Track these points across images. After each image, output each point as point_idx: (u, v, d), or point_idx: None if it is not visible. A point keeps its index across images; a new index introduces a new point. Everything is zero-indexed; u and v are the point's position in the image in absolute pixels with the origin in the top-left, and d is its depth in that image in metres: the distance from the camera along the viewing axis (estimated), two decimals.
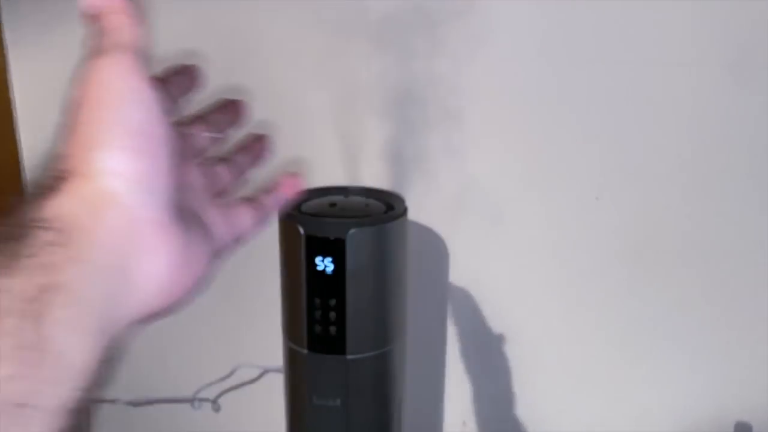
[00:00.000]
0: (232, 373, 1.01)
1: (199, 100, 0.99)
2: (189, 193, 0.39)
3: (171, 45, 0.97)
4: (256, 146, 0.47)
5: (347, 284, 0.69)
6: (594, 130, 0.81)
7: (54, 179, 0.33)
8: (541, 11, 0.79)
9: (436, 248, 0.90)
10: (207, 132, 0.43)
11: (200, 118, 0.45)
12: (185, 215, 0.36)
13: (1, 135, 1.03)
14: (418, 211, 0.88)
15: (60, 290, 0.29)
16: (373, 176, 0.89)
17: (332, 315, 0.70)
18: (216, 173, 0.43)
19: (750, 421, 0.86)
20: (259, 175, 0.96)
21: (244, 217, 0.43)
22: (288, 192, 0.46)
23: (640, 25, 0.77)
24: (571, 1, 0.78)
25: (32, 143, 1.03)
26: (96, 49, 0.35)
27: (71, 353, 0.29)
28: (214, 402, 1.07)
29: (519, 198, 0.86)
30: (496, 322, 0.91)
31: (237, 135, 0.47)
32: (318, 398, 0.73)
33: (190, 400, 1.06)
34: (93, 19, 0.35)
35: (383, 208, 0.75)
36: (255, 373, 1.02)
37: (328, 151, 0.90)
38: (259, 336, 1.00)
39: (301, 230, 0.69)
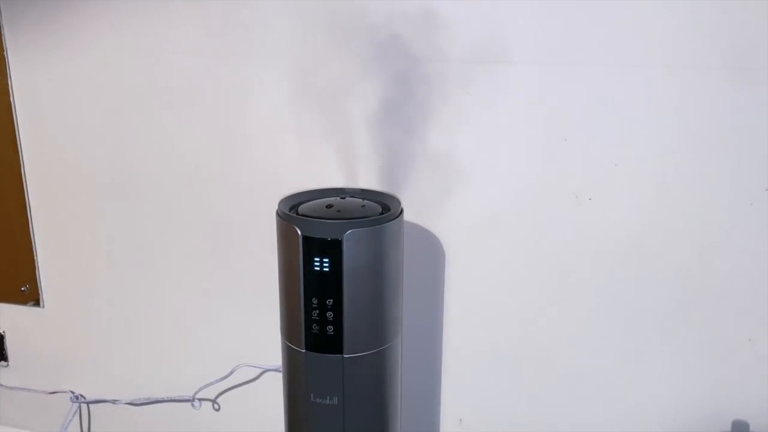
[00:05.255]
0: (231, 373, 1.02)
1: (199, 100, 1.00)
2: None
3: (164, 46, 0.98)
4: None
5: (344, 284, 0.70)
6: (588, 131, 0.82)
7: None
8: (535, 12, 0.79)
9: (431, 248, 0.90)
10: None
11: None
12: None
13: (1, 136, 1.04)
14: (414, 211, 0.89)
15: None
16: (369, 178, 0.90)
17: (329, 315, 0.71)
18: None
19: (747, 419, 0.86)
20: (259, 175, 0.97)
21: None
22: None
23: (634, 28, 0.77)
24: (566, 3, 0.78)
25: (32, 144, 1.04)
26: None
27: None
28: (214, 402, 1.08)
29: (513, 199, 0.86)
30: (490, 321, 0.92)
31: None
32: (316, 396, 0.74)
33: (190, 400, 1.06)
34: None
35: (379, 210, 0.75)
36: (254, 372, 1.03)
37: (324, 152, 0.90)
38: (259, 336, 1.01)
39: (299, 231, 0.70)
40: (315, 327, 0.72)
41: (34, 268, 1.10)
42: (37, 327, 1.13)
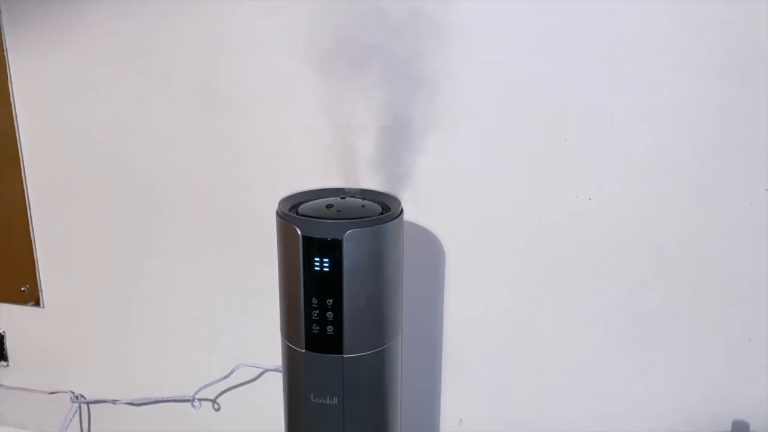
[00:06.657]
0: (231, 373, 1.02)
1: (198, 102, 1.00)
2: None
3: (164, 46, 0.98)
4: None
5: (344, 284, 0.70)
6: (588, 130, 0.82)
7: None
8: (536, 12, 0.79)
9: (431, 248, 0.90)
10: None
11: None
12: None
13: (1, 136, 1.04)
14: (414, 211, 0.89)
15: None
16: (369, 178, 0.90)
17: (329, 315, 0.71)
18: None
19: (747, 419, 0.86)
20: (256, 175, 0.97)
21: None
22: None
23: (634, 28, 0.77)
24: (566, 3, 0.78)
25: (32, 143, 1.04)
26: None
27: None
28: (214, 402, 1.08)
29: (513, 198, 0.86)
30: (490, 321, 0.92)
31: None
32: (316, 396, 0.74)
33: (190, 400, 1.06)
34: None
35: (379, 210, 0.75)
36: (254, 372, 1.03)
37: (324, 152, 0.90)
38: (259, 336, 1.01)
39: (299, 231, 0.70)
40: (315, 327, 0.72)
41: (34, 268, 1.10)
42: (37, 327, 1.13)
